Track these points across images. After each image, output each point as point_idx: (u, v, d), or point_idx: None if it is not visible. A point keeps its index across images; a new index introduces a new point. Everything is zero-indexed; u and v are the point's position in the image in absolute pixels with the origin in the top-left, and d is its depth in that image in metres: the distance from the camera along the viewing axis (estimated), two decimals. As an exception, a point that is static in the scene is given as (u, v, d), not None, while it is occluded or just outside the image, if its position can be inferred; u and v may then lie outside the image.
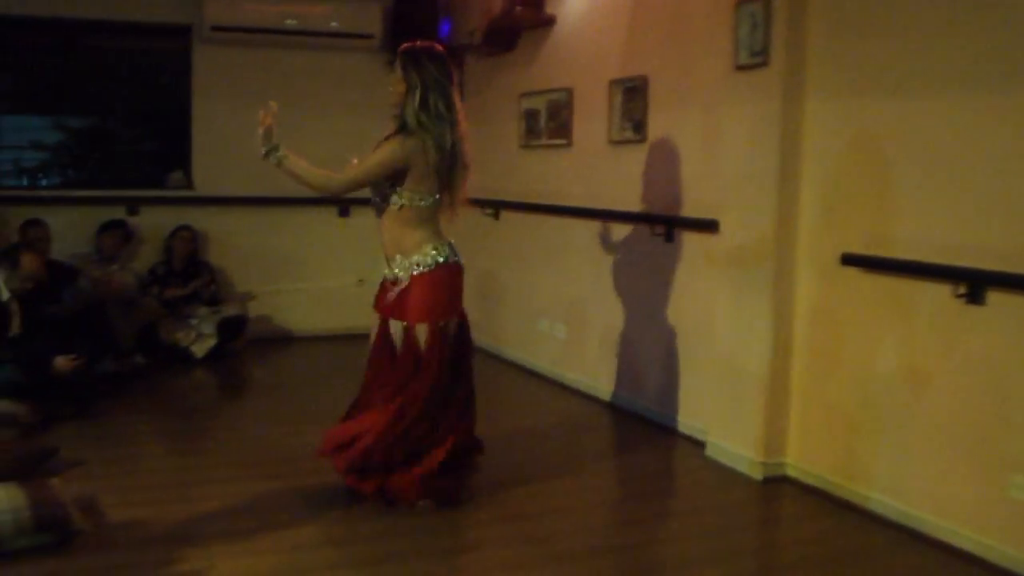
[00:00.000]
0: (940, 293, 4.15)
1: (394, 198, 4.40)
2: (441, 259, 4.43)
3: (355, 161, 4.48)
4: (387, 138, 4.40)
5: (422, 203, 4.40)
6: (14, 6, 7.83)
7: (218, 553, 3.97)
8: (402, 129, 4.35)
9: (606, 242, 6.61)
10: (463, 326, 4.63)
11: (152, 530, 4.19)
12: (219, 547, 4.03)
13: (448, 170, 4.38)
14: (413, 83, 4.31)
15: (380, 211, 4.52)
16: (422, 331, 4.41)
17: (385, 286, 4.58)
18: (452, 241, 4.56)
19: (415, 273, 4.42)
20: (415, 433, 4.42)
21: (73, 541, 3.98)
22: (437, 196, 4.42)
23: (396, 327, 4.47)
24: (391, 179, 4.39)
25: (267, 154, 4.32)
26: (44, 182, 9.93)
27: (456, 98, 4.40)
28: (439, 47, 4.44)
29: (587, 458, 5.57)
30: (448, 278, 4.47)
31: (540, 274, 7.44)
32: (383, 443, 4.39)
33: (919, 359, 4.29)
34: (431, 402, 4.42)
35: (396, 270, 4.48)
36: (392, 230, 4.47)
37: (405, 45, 4.45)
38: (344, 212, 8.86)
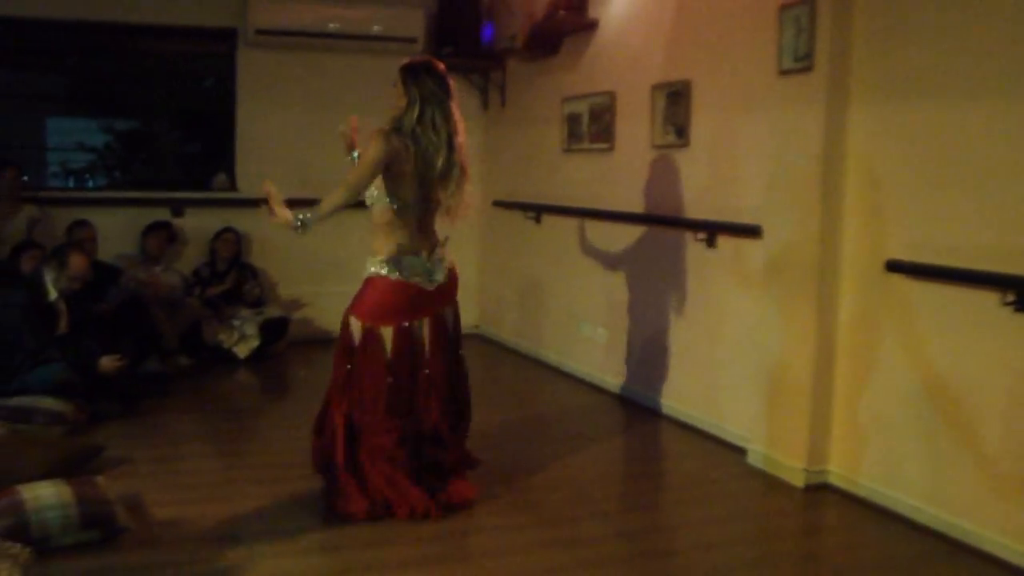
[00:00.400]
0: (987, 300, 4.10)
1: (367, 195, 4.51)
2: (384, 271, 4.47)
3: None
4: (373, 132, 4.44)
5: (391, 206, 4.46)
6: (62, 10, 7.94)
7: (260, 552, 4.02)
8: (395, 128, 4.44)
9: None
10: (404, 334, 4.54)
11: (195, 528, 4.23)
12: (261, 546, 4.08)
13: (441, 180, 4.46)
14: (412, 97, 4.43)
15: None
16: (355, 323, 4.53)
17: None
18: (424, 254, 4.54)
19: (367, 274, 4.54)
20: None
21: (118, 538, 4.04)
22: (411, 204, 4.47)
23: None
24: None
25: (301, 227, 4.29)
26: (91, 183, 10.08)
27: (454, 111, 4.50)
28: (438, 63, 4.56)
29: (626, 463, 5.56)
30: (380, 288, 4.50)
31: (582, 278, 7.43)
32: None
33: (965, 367, 4.25)
34: (380, 400, 4.48)
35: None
36: (371, 229, 4.59)
37: (405, 61, 4.58)
38: (386, 215, 8.91)
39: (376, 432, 4.46)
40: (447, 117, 4.45)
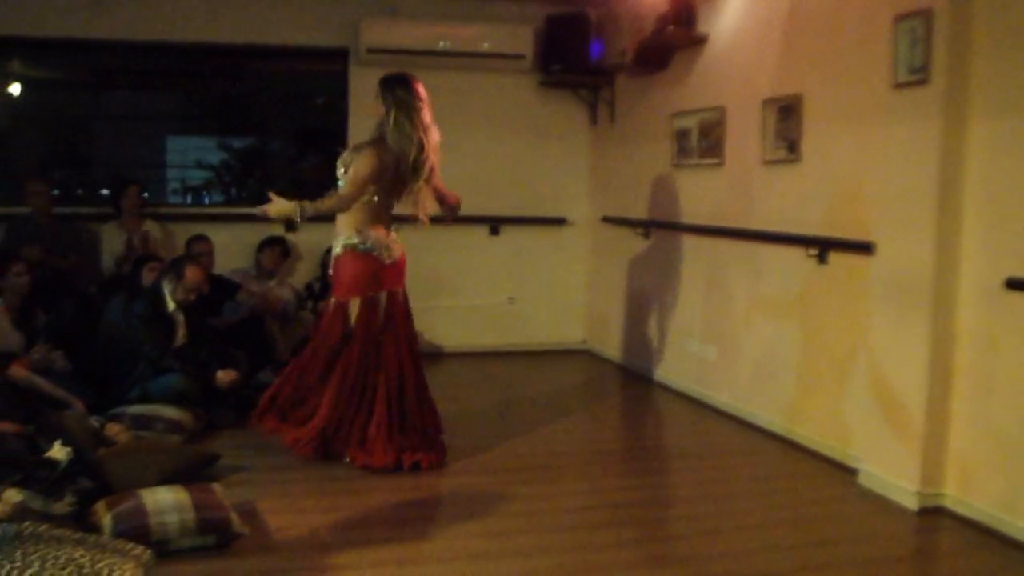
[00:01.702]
0: (1113, 318, 3.97)
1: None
2: (348, 245, 5.24)
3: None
4: (362, 146, 5.28)
5: (367, 200, 5.21)
6: (182, 33, 8.22)
7: (370, 561, 4.07)
8: (379, 140, 5.22)
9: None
10: (369, 304, 5.30)
11: (307, 536, 4.32)
12: (369, 555, 4.13)
13: (413, 174, 5.19)
14: (388, 105, 5.18)
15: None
16: (331, 304, 5.36)
17: None
18: (378, 235, 5.27)
19: (335, 254, 5.36)
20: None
21: (233, 544, 4.13)
22: (382, 195, 5.23)
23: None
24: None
25: (300, 218, 5.11)
26: (207, 200, 10.35)
27: (423, 117, 5.19)
28: (410, 76, 5.28)
29: (734, 482, 5.48)
30: (351, 262, 5.26)
31: (690, 294, 7.39)
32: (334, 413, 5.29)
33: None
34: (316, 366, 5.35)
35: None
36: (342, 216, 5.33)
37: (383, 75, 5.33)
38: (495, 231, 8.98)
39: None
40: (414, 122, 5.14)
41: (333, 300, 5.36)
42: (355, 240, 5.22)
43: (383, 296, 5.32)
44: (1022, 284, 4.39)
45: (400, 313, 5.40)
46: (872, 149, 5.28)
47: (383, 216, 5.33)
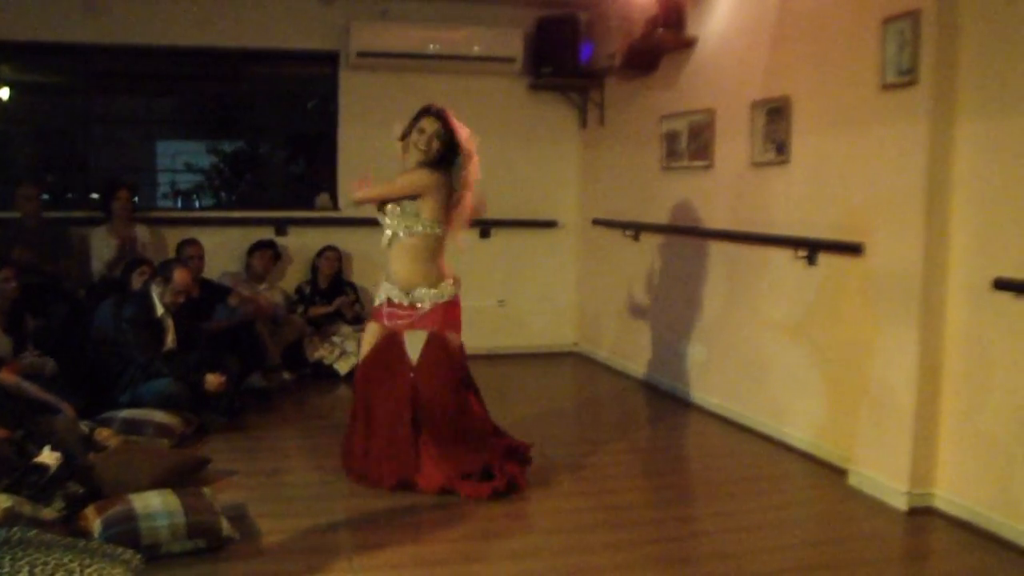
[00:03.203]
0: (1100, 319, 3.98)
1: (407, 226, 5.17)
2: (456, 291, 5.29)
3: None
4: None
5: (436, 232, 5.17)
6: (173, 37, 8.21)
7: (360, 565, 4.06)
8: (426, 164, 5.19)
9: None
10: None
11: (297, 540, 4.31)
12: (361, 559, 4.12)
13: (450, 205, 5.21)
14: (407, 131, 5.28)
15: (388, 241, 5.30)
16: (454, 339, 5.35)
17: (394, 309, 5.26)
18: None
19: (440, 302, 5.22)
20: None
21: (223, 548, 4.13)
22: (443, 232, 5.22)
23: (452, 338, 5.36)
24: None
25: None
26: (198, 203, 10.34)
27: (461, 148, 5.24)
28: (437, 110, 5.31)
29: (728, 484, 5.48)
30: (457, 307, 5.35)
31: (680, 295, 7.39)
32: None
33: (1077, 387, 4.12)
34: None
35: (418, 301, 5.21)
36: (407, 261, 5.21)
37: (422, 108, 5.36)
38: (485, 234, 8.97)
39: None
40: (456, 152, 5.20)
41: (459, 342, 5.45)
42: (455, 288, 5.29)
43: None
44: (1010, 284, 4.40)
45: None
46: (861, 150, 5.29)
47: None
